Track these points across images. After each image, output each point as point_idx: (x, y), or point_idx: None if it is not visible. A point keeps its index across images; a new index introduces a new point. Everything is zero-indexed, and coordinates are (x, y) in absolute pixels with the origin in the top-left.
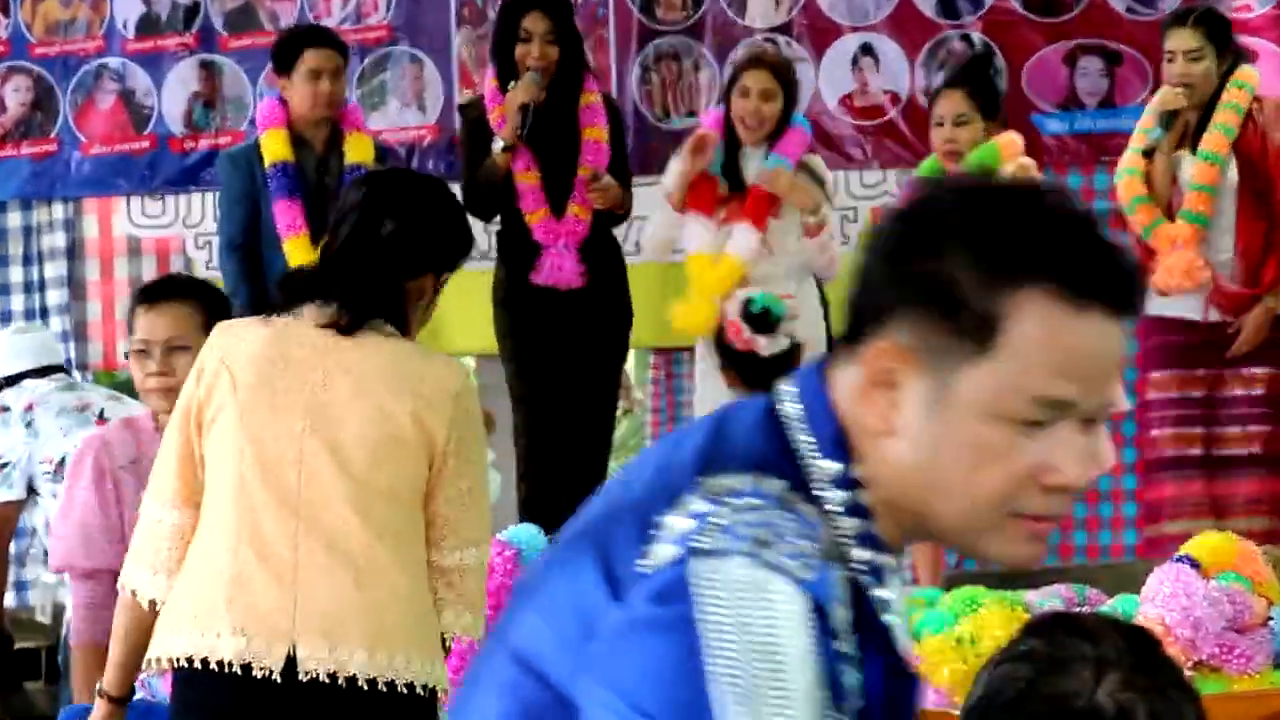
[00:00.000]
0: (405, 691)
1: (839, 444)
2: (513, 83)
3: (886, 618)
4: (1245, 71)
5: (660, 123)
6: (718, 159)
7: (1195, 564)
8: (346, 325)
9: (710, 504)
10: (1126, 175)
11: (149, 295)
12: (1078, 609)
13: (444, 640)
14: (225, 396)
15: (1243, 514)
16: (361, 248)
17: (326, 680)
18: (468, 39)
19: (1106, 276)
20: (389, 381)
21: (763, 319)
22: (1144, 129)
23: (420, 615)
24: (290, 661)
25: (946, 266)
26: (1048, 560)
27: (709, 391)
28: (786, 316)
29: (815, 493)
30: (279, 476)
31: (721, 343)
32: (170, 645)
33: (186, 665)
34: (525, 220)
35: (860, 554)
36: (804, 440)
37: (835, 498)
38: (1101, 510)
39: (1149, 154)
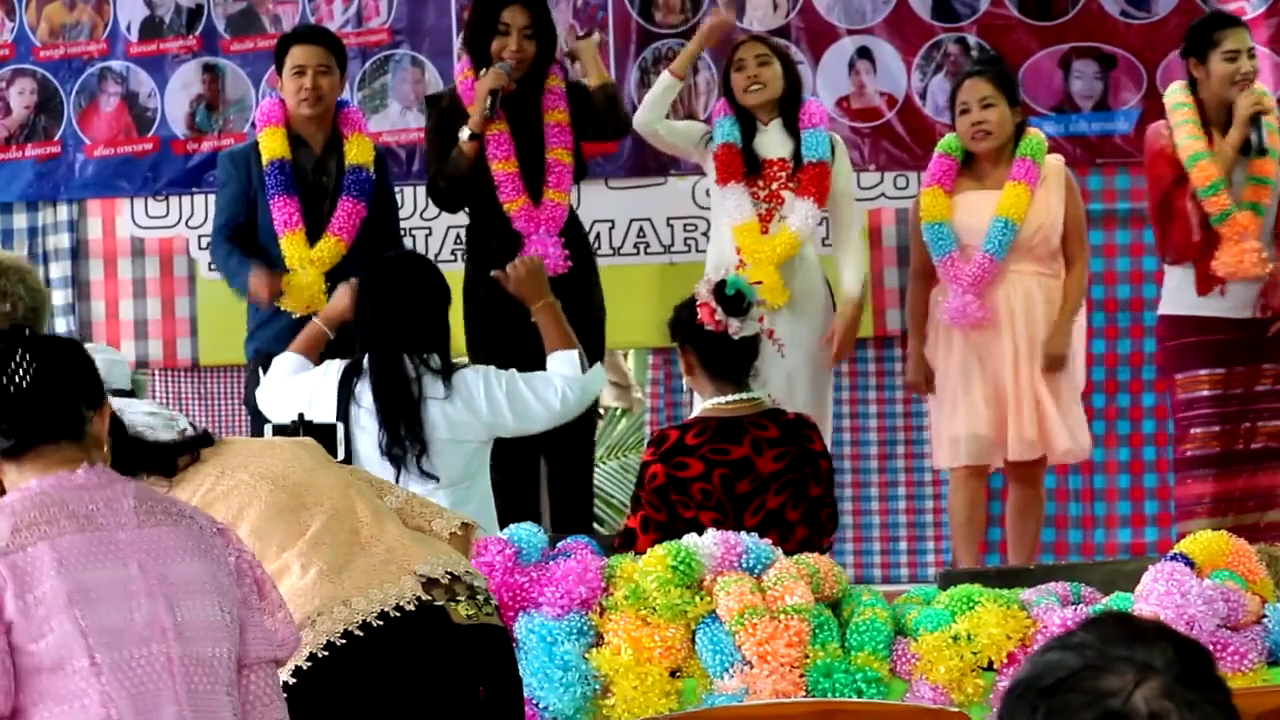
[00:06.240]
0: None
1: None
2: (483, 71)
3: None
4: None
5: None
6: (737, 136)
7: (1190, 562)
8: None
9: None
10: (1205, 158)
11: None
12: (1072, 606)
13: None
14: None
15: None
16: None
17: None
18: None
19: None
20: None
21: (736, 301)
22: (1189, 120)
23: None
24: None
25: None
26: (1043, 558)
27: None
28: (757, 302)
29: None
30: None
31: (687, 326)
32: (347, 616)
33: (378, 621)
34: (504, 210)
35: None
36: None
37: None
38: (1096, 509)
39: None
